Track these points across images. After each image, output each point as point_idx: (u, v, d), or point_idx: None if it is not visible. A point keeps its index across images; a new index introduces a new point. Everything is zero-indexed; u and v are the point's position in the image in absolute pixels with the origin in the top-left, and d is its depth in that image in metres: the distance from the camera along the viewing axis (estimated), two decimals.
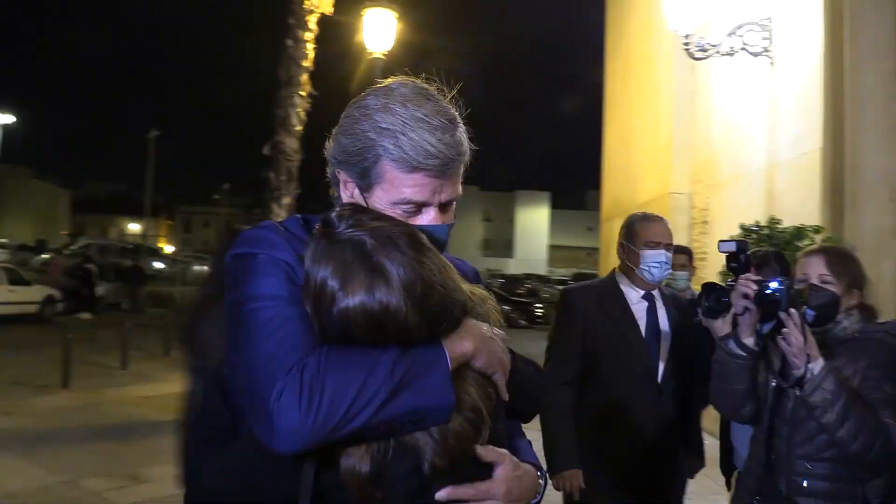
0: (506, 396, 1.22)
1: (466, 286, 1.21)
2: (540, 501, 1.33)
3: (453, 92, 1.29)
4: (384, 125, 1.16)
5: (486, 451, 1.16)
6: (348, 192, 1.25)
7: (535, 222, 64.86)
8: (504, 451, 1.21)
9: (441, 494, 1.10)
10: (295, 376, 1.00)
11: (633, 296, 3.06)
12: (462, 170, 1.26)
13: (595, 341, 2.99)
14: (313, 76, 8.83)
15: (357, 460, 1.06)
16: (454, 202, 1.27)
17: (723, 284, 2.29)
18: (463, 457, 1.12)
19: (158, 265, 30.73)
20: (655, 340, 3.02)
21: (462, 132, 1.23)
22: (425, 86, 1.24)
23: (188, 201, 76.56)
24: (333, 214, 1.12)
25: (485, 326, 1.19)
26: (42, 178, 61.16)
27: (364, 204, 1.22)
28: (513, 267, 56.13)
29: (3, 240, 36.40)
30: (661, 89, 9.73)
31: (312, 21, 8.76)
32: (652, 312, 3.05)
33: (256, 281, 1.13)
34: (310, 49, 8.74)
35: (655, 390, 2.96)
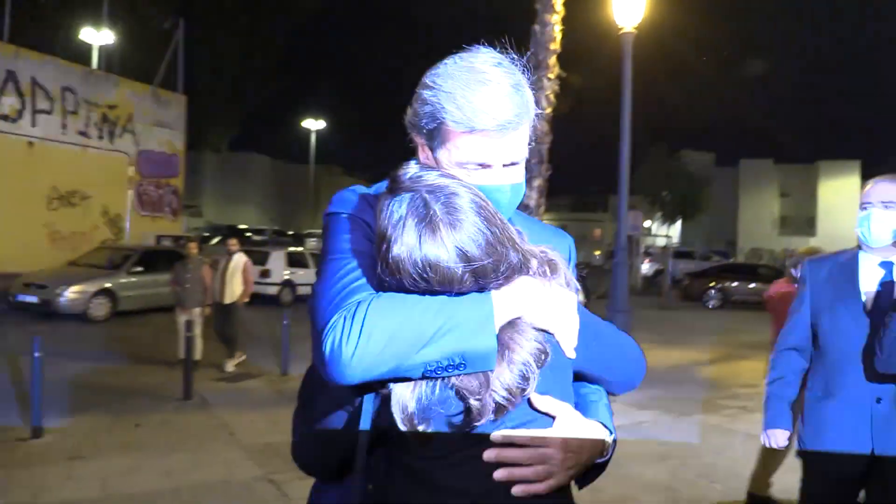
0: (571, 354, 1.25)
1: (532, 247, 1.25)
2: (609, 460, 1.35)
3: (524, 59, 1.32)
4: (447, 90, 1.24)
5: (542, 401, 1.20)
6: (424, 155, 1.35)
7: (842, 196, 57.79)
8: (564, 403, 1.24)
9: (495, 436, 1.17)
10: (346, 314, 1.12)
11: (869, 265, 2.78)
12: (526, 132, 1.30)
13: (820, 314, 2.84)
14: (561, 57, 8.91)
15: (405, 398, 1.16)
16: (520, 163, 1.32)
17: None
18: (520, 405, 1.18)
19: None
20: (881, 314, 2.69)
21: (524, 96, 1.26)
22: (497, 53, 1.29)
23: None
24: (401, 171, 1.20)
25: (543, 285, 1.22)
26: (350, 175, 68.89)
27: (434, 165, 1.30)
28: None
29: (317, 230, 41.70)
30: None
31: (559, 3, 8.84)
32: (889, 283, 2.73)
33: (336, 237, 1.29)
34: (557, 31, 8.84)
35: (873, 371, 2.65)
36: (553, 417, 1.22)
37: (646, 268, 31.57)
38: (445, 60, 1.29)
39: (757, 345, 11.72)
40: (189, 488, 5.02)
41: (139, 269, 14.79)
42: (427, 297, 1.13)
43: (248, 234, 38.27)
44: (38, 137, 17.43)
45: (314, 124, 42.47)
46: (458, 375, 1.14)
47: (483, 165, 1.27)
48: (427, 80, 1.30)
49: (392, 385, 1.16)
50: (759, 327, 15.59)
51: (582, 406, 1.35)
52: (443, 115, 1.25)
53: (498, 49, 1.30)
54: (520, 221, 1.43)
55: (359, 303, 1.13)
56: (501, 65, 1.26)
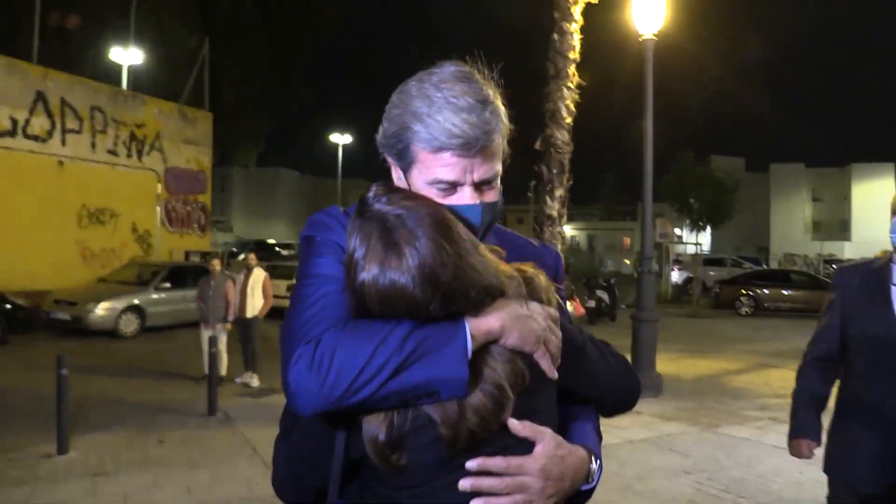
0: (553, 375, 1.20)
1: (507, 267, 1.21)
2: (594, 487, 1.29)
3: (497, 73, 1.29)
4: (413, 108, 1.21)
5: (521, 427, 1.15)
6: (396, 175, 1.32)
7: (876, 199, 56.68)
8: (545, 428, 1.19)
9: (471, 465, 1.12)
10: (310, 346, 1.10)
11: None
12: (498, 149, 1.26)
13: (850, 324, 2.75)
14: (580, 66, 8.86)
15: (376, 428, 1.12)
16: (494, 181, 1.28)
17: None
18: (499, 431, 1.13)
19: None
20: None
21: (492, 112, 1.22)
22: (464, 68, 1.25)
23: (505, 200, 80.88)
24: (370, 193, 1.18)
25: (520, 305, 1.17)
26: None
27: (407, 185, 1.28)
28: (849, 251, 49.79)
29: None
30: None
31: (577, 12, 8.80)
32: None
33: (308, 261, 1.26)
34: (576, 40, 8.79)
35: None
36: (533, 443, 1.17)
37: (675, 276, 31.17)
38: (412, 77, 1.27)
39: (789, 353, 11.50)
40: None
41: (167, 285, 14.97)
42: (393, 322, 1.09)
43: (277, 248, 38.62)
44: (68, 156, 17.75)
45: (341, 138, 42.79)
46: (429, 404, 1.10)
47: (453, 184, 1.23)
48: (394, 97, 1.27)
49: (363, 415, 1.12)
50: (792, 335, 15.31)
51: (569, 429, 1.30)
52: (408, 134, 1.22)
53: (468, 62, 1.27)
54: (501, 239, 1.39)
55: (325, 332, 1.11)
56: (468, 80, 1.23)
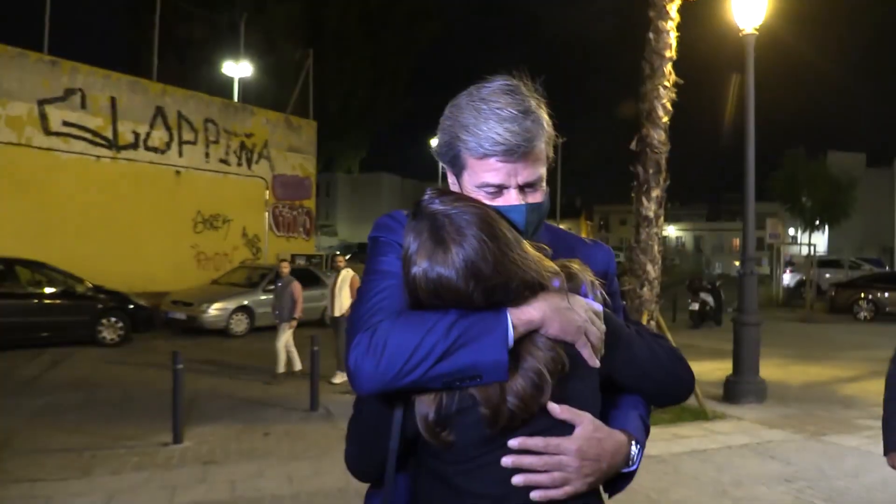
0: (594, 363, 1.28)
1: (551, 263, 1.29)
2: (635, 470, 1.36)
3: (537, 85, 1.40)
4: (462, 120, 1.34)
5: (560, 409, 1.24)
6: (451, 180, 1.45)
7: None
8: (583, 412, 1.27)
9: (512, 443, 1.22)
10: (368, 333, 1.23)
11: None
12: (540, 155, 1.37)
13: None
14: (677, 64, 8.68)
15: (426, 407, 1.24)
16: (537, 184, 1.38)
17: None
18: (540, 413, 1.23)
19: None
20: None
21: (533, 121, 1.33)
22: (511, 81, 1.37)
23: (607, 201, 79.88)
24: (425, 196, 1.30)
25: (561, 299, 1.26)
26: None
27: (459, 189, 1.40)
28: None
29: None
30: None
31: (673, 9, 8.62)
32: None
33: (373, 259, 1.41)
34: (672, 38, 8.61)
35: None
36: (573, 427, 1.25)
37: (788, 278, 29.75)
38: (464, 91, 1.39)
39: None
40: (308, 494, 5.28)
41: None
42: (444, 314, 1.20)
43: None
44: (184, 166, 18.92)
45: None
46: (474, 386, 1.20)
47: (499, 187, 1.34)
48: (447, 111, 1.40)
49: (416, 395, 1.24)
50: None
51: (613, 414, 1.37)
52: (458, 143, 1.35)
53: (514, 76, 1.38)
54: (554, 236, 1.47)
55: (380, 321, 1.24)
56: (513, 92, 1.34)
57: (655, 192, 8.66)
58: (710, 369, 10.81)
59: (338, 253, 15.57)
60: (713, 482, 5.50)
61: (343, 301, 10.09)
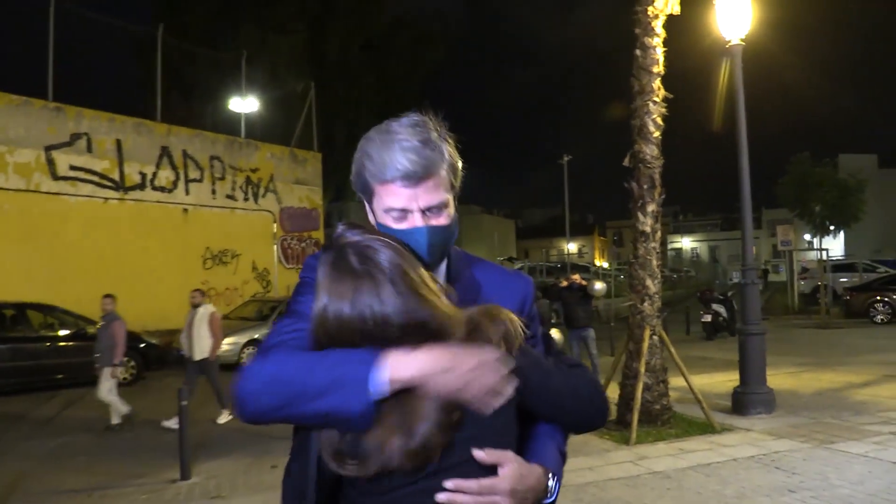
0: (486, 411, 1.25)
1: (455, 310, 1.29)
2: (553, 502, 1.39)
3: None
4: (369, 150, 1.44)
5: (486, 455, 1.26)
6: (367, 209, 1.55)
7: None
8: (507, 452, 1.30)
9: (448, 484, 1.23)
10: (258, 361, 1.29)
11: None
12: (441, 181, 1.44)
13: None
14: (666, 78, 8.75)
15: (333, 439, 1.24)
16: (441, 208, 1.45)
17: None
18: (460, 450, 1.24)
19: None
20: None
21: (433, 149, 1.41)
22: (419, 117, 1.46)
23: (620, 217, 79.71)
24: (338, 228, 1.35)
25: (451, 353, 1.22)
26: (490, 213, 69.79)
27: (372, 215, 1.50)
28: None
29: None
30: None
31: (659, 25, 8.71)
32: None
33: (294, 298, 1.49)
34: (659, 54, 8.69)
35: None
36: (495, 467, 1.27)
37: (803, 285, 29.44)
38: (374, 127, 1.49)
39: None
40: None
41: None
42: (323, 356, 1.23)
43: None
44: (192, 204, 19.16)
45: None
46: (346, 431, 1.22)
47: (403, 211, 1.43)
48: (360, 144, 1.48)
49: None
50: None
51: (532, 448, 1.41)
52: (364, 172, 1.45)
53: (422, 112, 1.48)
54: (469, 268, 1.55)
55: (266, 352, 1.31)
56: (416, 125, 1.43)
57: (651, 207, 8.68)
58: (721, 381, 10.74)
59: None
60: (716, 496, 5.47)
61: (203, 342, 9.61)
